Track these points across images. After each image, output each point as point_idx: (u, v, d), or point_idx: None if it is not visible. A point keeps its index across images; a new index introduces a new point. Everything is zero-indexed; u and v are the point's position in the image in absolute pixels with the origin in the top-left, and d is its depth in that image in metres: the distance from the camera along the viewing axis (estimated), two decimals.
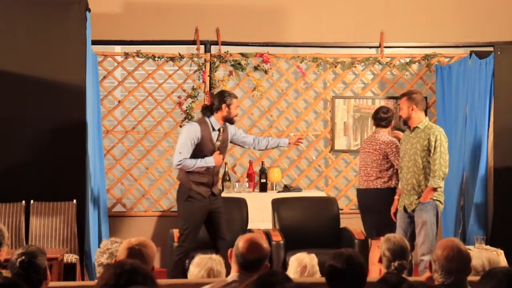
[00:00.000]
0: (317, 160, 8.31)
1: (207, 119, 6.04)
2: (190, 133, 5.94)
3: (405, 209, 6.23)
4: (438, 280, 3.44)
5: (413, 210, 6.16)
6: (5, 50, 6.55)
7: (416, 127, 6.19)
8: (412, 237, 6.11)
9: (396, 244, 3.97)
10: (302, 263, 4.58)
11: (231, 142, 6.32)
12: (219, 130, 6.06)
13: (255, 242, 3.59)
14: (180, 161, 5.90)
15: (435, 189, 6.08)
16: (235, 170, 8.16)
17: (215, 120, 6.03)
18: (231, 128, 6.23)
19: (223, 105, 6.00)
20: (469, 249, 5.61)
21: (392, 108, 7.59)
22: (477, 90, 7.18)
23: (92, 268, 6.33)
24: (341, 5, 8.33)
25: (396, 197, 6.48)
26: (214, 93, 6.51)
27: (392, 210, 6.46)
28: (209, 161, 5.95)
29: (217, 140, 6.05)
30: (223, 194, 7.51)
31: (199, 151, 5.96)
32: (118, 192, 8.14)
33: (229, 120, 6.07)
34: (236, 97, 6.15)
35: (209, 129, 6.01)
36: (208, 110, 6.07)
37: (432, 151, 6.07)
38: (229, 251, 3.64)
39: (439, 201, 6.15)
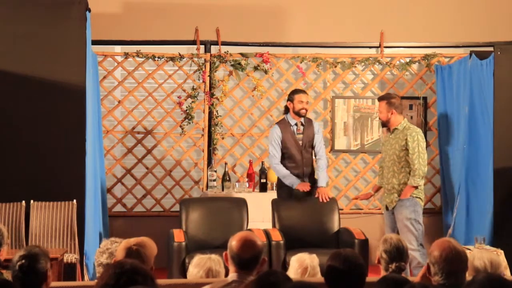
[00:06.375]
0: None
1: (285, 117, 6.85)
2: (271, 136, 6.81)
3: (386, 208, 6.46)
4: (439, 282, 3.41)
5: (393, 208, 6.37)
6: (5, 50, 6.54)
7: (396, 128, 6.43)
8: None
9: (393, 245, 3.97)
10: (303, 264, 4.57)
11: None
12: (296, 125, 6.80)
13: (248, 240, 3.58)
14: (275, 164, 6.74)
15: (415, 187, 6.27)
16: (235, 170, 8.16)
17: (290, 117, 6.81)
18: (316, 126, 6.90)
19: (288, 103, 6.83)
20: (469, 249, 5.62)
21: None
22: (477, 90, 7.18)
23: (92, 268, 6.33)
24: (341, 5, 8.33)
25: (370, 191, 6.94)
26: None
27: (359, 196, 7.06)
28: (292, 182, 6.70)
29: (298, 133, 6.81)
30: (223, 194, 7.53)
31: (284, 147, 6.76)
32: (119, 192, 8.14)
33: (297, 114, 6.78)
34: (299, 92, 6.84)
35: (289, 126, 6.79)
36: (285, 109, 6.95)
37: (410, 151, 6.29)
38: (224, 254, 3.63)
39: (419, 198, 6.34)
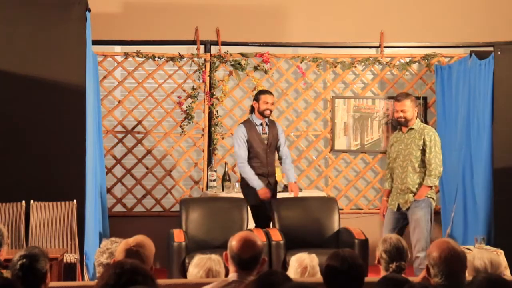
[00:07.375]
0: (317, 160, 8.31)
1: (250, 117, 6.98)
2: (237, 135, 6.88)
3: (398, 208, 6.40)
4: (438, 284, 3.41)
5: (407, 209, 6.34)
6: (5, 50, 6.54)
7: (411, 128, 6.42)
8: (399, 234, 6.20)
9: (392, 245, 3.96)
10: (302, 264, 4.58)
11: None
12: (261, 124, 6.92)
13: (248, 240, 3.58)
14: (241, 163, 6.82)
15: (430, 187, 6.27)
16: (235, 170, 8.15)
17: (255, 117, 6.94)
18: (279, 128, 7.11)
19: (254, 102, 6.96)
20: (469, 249, 5.62)
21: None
22: (477, 90, 7.18)
23: (92, 268, 6.33)
24: (341, 5, 8.33)
25: (384, 198, 6.67)
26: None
27: (381, 212, 6.69)
28: (256, 184, 6.78)
29: (263, 133, 6.93)
30: (223, 194, 7.53)
31: (250, 146, 6.86)
32: (119, 192, 8.14)
33: (261, 114, 6.90)
34: (265, 93, 6.96)
35: (254, 125, 6.89)
36: (250, 109, 7.08)
37: (427, 150, 6.29)
38: (224, 254, 3.63)
39: (432, 198, 6.36)
